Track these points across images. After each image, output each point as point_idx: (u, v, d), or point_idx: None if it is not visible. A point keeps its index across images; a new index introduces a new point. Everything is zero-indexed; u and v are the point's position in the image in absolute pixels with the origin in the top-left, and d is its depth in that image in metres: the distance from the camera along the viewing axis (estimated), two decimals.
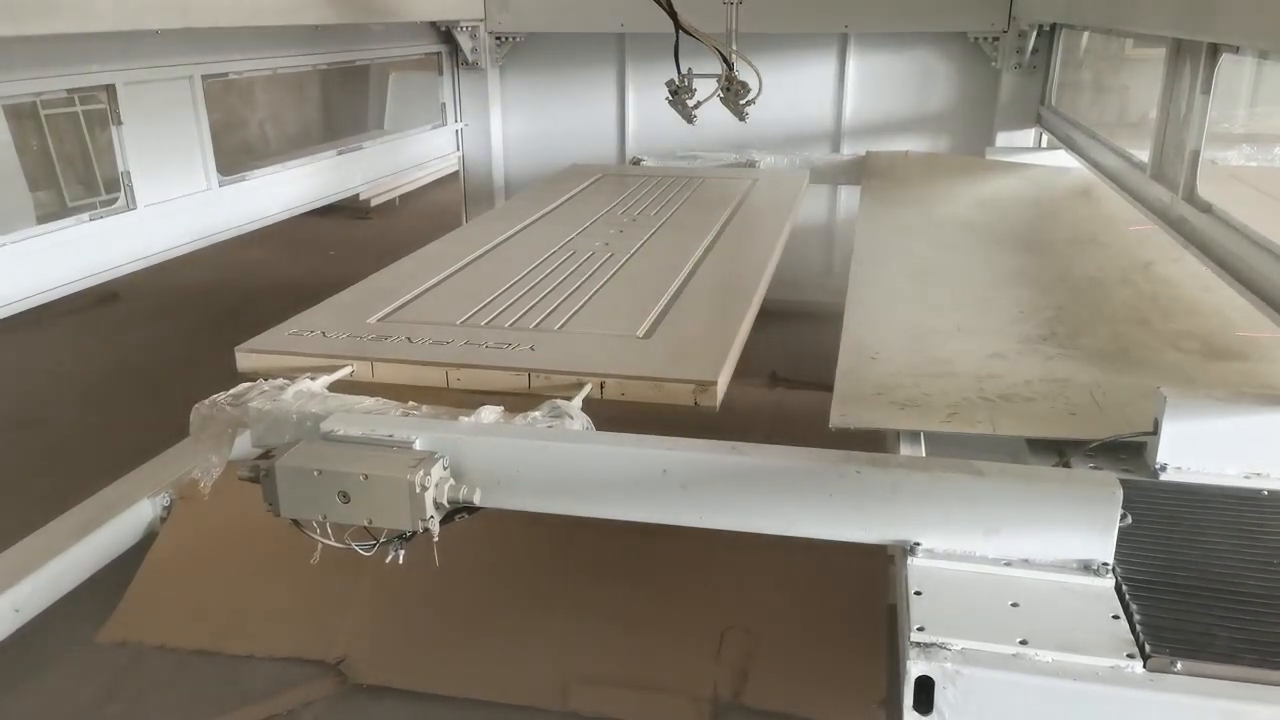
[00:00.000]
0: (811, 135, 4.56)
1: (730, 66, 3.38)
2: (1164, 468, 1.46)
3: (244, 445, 1.64)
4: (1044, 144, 4.19)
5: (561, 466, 1.42)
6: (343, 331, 1.98)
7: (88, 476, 2.33)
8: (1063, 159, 3.73)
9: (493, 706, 2.20)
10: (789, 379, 3.97)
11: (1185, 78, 2.35)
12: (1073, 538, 1.23)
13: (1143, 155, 2.68)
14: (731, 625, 2.32)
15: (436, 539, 1.41)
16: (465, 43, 4.57)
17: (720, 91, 3.45)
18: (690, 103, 3.49)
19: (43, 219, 4.11)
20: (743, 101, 3.43)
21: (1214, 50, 2.18)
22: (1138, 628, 1.13)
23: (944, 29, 4.26)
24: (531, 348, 1.88)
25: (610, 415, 1.64)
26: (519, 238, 2.79)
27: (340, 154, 3.96)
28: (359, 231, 6.82)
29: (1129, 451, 1.53)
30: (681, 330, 2.01)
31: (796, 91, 4.44)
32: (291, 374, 1.75)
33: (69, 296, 2.70)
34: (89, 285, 2.73)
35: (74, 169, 5.16)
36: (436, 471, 1.39)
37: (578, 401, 1.64)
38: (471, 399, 1.66)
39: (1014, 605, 1.18)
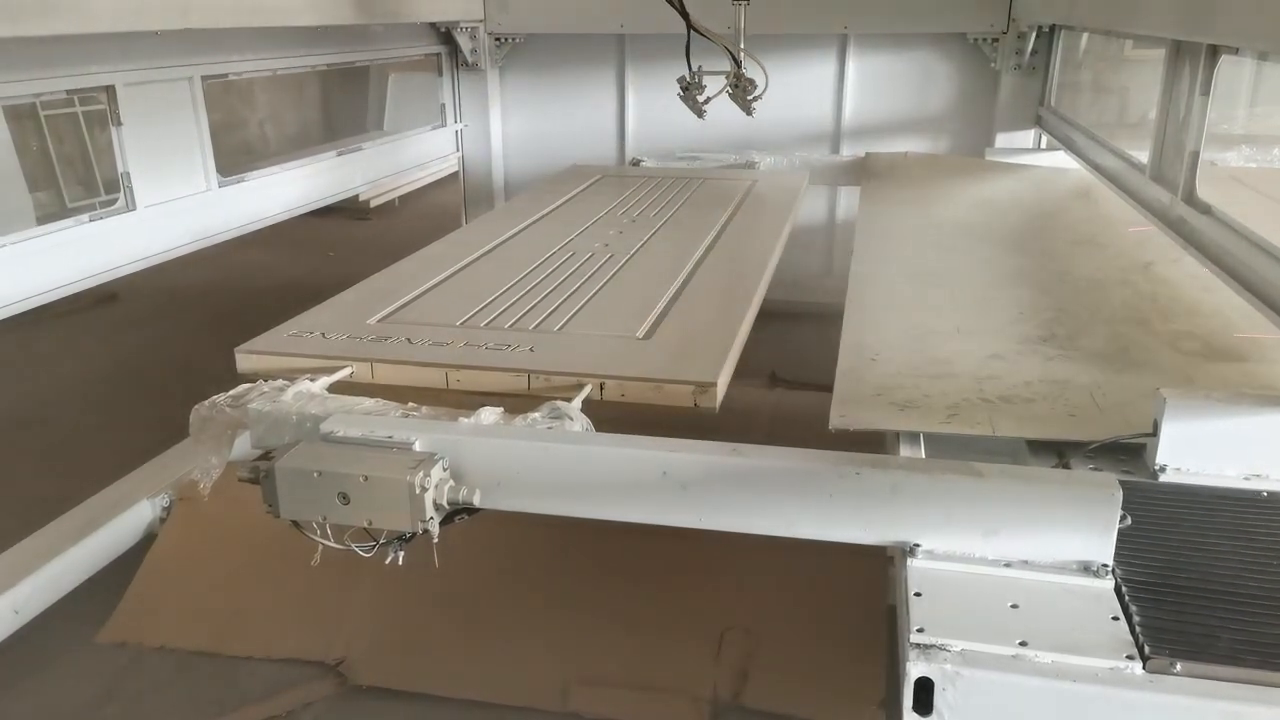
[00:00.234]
0: (811, 136, 4.56)
1: (739, 64, 3.44)
2: (1163, 469, 1.46)
3: (244, 446, 1.64)
4: (1043, 145, 4.19)
5: (561, 468, 1.42)
6: (342, 332, 1.98)
7: (87, 476, 2.34)
8: (1062, 160, 3.73)
9: (492, 707, 2.20)
10: (789, 380, 3.97)
11: (1185, 79, 2.35)
12: (1072, 539, 1.23)
13: (1142, 156, 2.68)
14: (731, 625, 2.32)
15: (436, 540, 1.41)
16: (465, 44, 4.57)
17: (729, 88, 3.52)
18: (700, 98, 3.57)
19: (42, 220, 4.12)
20: (750, 97, 3.50)
21: (1213, 51, 2.18)
22: (1137, 629, 1.13)
23: (943, 30, 4.26)
24: (531, 349, 1.88)
25: (610, 416, 1.64)
26: (519, 239, 2.79)
27: (340, 155, 3.96)
28: (359, 232, 6.82)
29: (1129, 453, 1.53)
30: (681, 331, 2.01)
31: (796, 92, 4.43)
32: (291, 375, 1.76)
33: (69, 297, 2.69)
34: (89, 286, 2.73)
35: (74, 170, 5.16)
36: (436, 473, 1.39)
37: (577, 403, 1.64)
38: (471, 400, 1.66)
39: (1014, 606, 1.18)
